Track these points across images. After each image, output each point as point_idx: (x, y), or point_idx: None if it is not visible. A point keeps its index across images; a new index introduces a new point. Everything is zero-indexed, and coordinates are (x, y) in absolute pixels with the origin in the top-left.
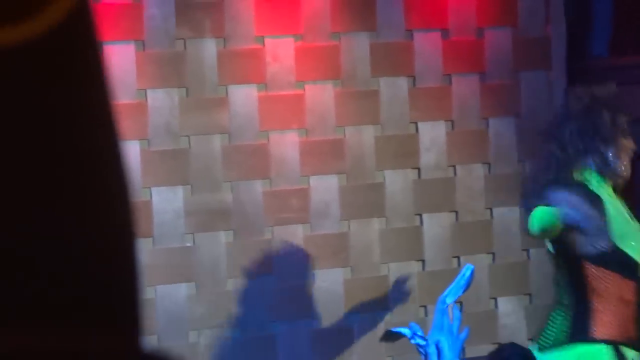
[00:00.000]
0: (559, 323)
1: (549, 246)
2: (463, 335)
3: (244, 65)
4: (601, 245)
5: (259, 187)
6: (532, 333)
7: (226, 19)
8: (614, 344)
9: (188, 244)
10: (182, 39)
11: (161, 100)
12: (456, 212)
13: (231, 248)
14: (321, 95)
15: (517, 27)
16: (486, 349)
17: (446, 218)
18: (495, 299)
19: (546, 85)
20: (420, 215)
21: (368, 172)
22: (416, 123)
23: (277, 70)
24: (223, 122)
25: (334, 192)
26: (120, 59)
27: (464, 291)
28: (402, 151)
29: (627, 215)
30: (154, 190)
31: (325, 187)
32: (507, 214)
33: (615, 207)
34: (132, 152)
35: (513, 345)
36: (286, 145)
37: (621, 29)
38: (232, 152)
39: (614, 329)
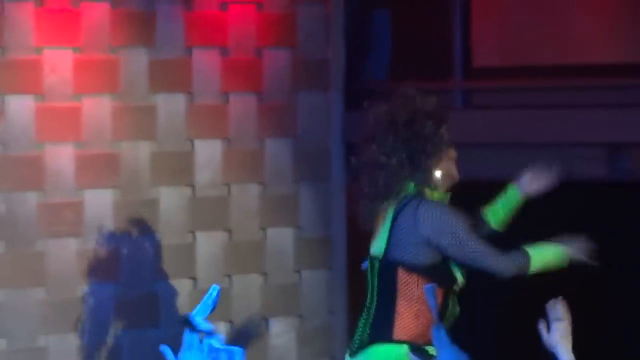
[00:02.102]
0: (363, 326)
1: (375, 251)
2: (226, 356)
3: (21, 75)
4: (430, 257)
5: (32, 198)
6: (303, 354)
7: (4, 27)
8: (414, 344)
9: None
10: None
11: None
12: (230, 230)
13: (2, 259)
14: (98, 109)
15: (297, 48)
16: None
17: (220, 236)
18: (266, 319)
19: (323, 106)
20: (194, 232)
21: (143, 188)
22: (192, 140)
23: (54, 82)
24: None
25: (108, 207)
26: None
27: (212, 310)
28: (178, 168)
29: None
30: None
31: (99, 202)
32: (280, 235)
33: None
34: None
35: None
36: (62, 157)
37: (399, 54)
38: (6, 162)
39: (414, 331)
